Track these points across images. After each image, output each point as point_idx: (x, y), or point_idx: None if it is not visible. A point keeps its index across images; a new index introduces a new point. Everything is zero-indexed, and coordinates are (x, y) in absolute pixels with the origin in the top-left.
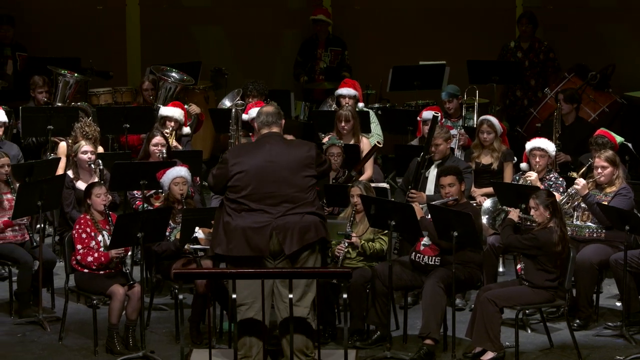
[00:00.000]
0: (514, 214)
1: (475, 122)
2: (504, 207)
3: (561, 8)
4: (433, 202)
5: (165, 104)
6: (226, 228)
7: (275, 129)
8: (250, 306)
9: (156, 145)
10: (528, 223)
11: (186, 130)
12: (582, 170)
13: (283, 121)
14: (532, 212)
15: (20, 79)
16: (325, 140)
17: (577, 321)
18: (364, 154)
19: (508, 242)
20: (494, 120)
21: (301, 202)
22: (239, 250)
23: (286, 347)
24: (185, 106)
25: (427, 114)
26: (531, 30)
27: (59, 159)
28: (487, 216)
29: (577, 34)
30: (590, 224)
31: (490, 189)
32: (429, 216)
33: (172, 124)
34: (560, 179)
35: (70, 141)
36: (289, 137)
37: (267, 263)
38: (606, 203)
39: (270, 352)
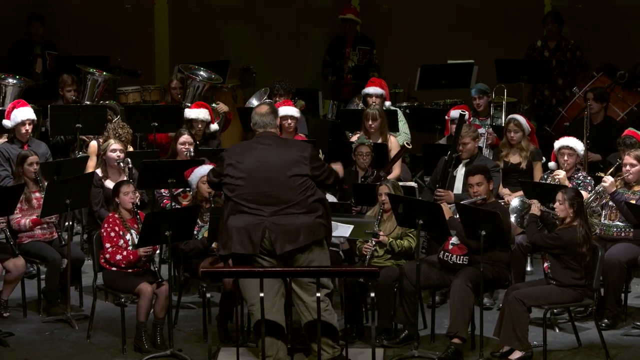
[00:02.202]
0: (535, 208)
1: (503, 121)
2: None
3: (590, 7)
4: (461, 202)
5: (193, 103)
6: (225, 228)
7: (270, 129)
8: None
9: (183, 143)
10: (551, 217)
11: (214, 127)
12: (610, 170)
13: (278, 119)
14: (557, 205)
15: (50, 78)
16: (353, 139)
17: (605, 320)
18: (392, 152)
19: (533, 240)
20: (521, 119)
21: (294, 202)
22: (236, 248)
23: (314, 346)
24: (213, 104)
25: (455, 113)
26: (557, 29)
27: (87, 157)
28: (515, 215)
29: (606, 32)
30: (618, 222)
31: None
32: (457, 215)
33: (199, 125)
34: (589, 177)
35: (101, 140)
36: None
37: (263, 261)
38: (634, 202)
39: (290, 351)
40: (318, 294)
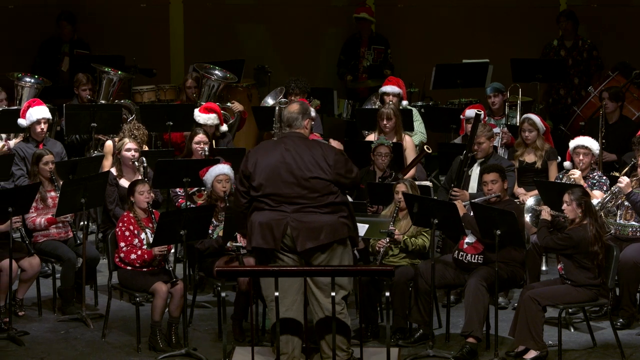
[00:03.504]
0: (546, 213)
1: (518, 121)
2: (537, 207)
3: (606, 6)
4: (475, 200)
5: (207, 102)
6: (250, 224)
7: (296, 130)
8: (282, 301)
9: (198, 143)
10: (560, 219)
11: (223, 128)
12: (625, 170)
13: (307, 121)
14: (564, 206)
15: (71, 77)
16: (369, 138)
17: (621, 320)
18: (407, 152)
19: (545, 244)
20: (535, 118)
21: (317, 203)
22: (257, 242)
23: (324, 346)
24: (228, 104)
25: (470, 112)
26: (571, 28)
27: (102, 156)
28: (530, 214)
29: (621, 31)
30: (633, 222)
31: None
32: (472, 213)
33: (209, 129)
34: (604, 177)
35: (117, 139)
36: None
37: (286, 258)
38: None
39: (305, 350)
40: (333, 294)
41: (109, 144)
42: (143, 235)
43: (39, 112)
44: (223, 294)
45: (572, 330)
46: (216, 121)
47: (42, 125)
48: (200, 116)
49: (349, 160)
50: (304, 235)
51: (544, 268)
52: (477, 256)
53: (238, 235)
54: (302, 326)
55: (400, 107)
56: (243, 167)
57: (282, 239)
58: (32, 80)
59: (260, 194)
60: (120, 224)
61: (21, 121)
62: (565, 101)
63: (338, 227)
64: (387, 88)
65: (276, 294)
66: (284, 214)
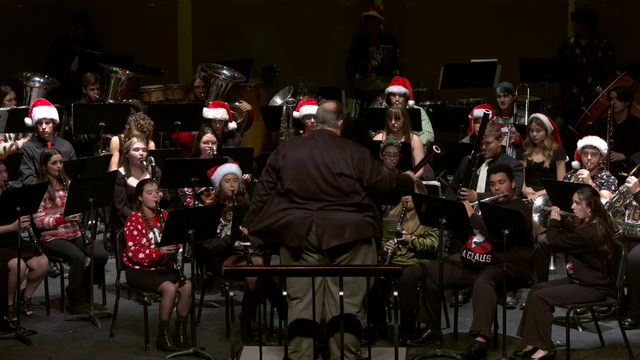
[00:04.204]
0: (555, 213)
1: (526, 120)
2: (546, 207)
3: (614, 4)
4: (483, 200)
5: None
6: (273, 218)
7: (328, 127)
8: (301, 300)
9: (206, 142)
10: (569, 219)
11: (232, 125)
12: (634, 169)
13: (341, 121)
14: (574, 205)
15: (80, 77)
16: (377, 138)
17: (629, 320)
18: (415, 152)
19: (554, 243)
20: (543, 118)
21: (343, 202)
22: (278, 237)
23: (333, 344)
24: (236, 103)
25: (479, 112)
26: (587, 29)
27: (111, 155)
28: (538, 214)
29: (630, 31)
30: None
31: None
32: (479, 213)
33: (218, 124)
34: (612, 177)
35: (122, 135)
36: None
37: (309, 257)
38: None
39: (320, 350)
40: (341, 293)
41: (115, 140)
42: (151, 235)
43: (40, 112)
44: (231, 294)
45: (580, 330)
46: (225, 115)
47: (44, 125)
48: (209, 111)
49: (377, 162)
50: (329, 233)
51: (552, 268)
52: (485, 256)
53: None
54: (318, 326)
55: (407, 107)
56: (272, 160)
57: (306, 237)
58: (41, 80)
59: (287, 189)
60: (128, 224)
61: (27, 120)
62: (578, 99)
63: (363, 226)
64: (394, 88)
65: (285, 293)
66: (309, 211)
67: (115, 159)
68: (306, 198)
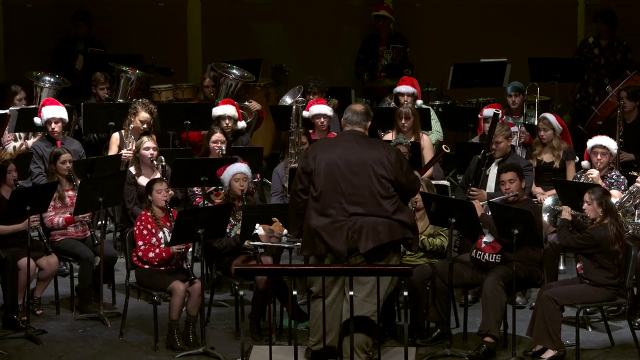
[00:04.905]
0: (566, 213)
1: (536, 120)
2: (556, 206)
3: (623, 5)
4: (493, 199)
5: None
6: (308, 229)
7: (357, 129)
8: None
9: (216, 142)
10: (580, 218)
11: (241, 124)
12: None
13: (369, 123)
14: (585, 205)
15: (85, 76)
16: (386, 138)
17: (639, 320)
18: (424, 151)
19: (565, 243)
20: (551, 117)
21: (376, 204)
22: (319, 250)
23: (346, 344)
24: (246, 103)
25: (488, 112)
26: (607, 29)
27: (120, 155)
28: (548, 214)
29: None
30: None
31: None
32: (489, 213)
33: (227, 121)
34: (622, 176)
35: (123, 132)
36: None
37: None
38: None
39: (334, 350)
40: (351, 292)
41: (115, 135)
42: (161, 234)
43: (49, 112)
44: (241, 293)
45: (590, 330)
46: (234, 112)
47: (53, 125)
48: (218, 108)
49: (408, 163)
50: (365, 235)
51: (561, 267)
52: (494, 255)
53: (258, 234)
54: (339, 325)
55: (415, 107)
56: (303, 164)
57: (345, 245)
58: (52, 80)
59: (319, 192)
60: (138, 223)
61: (37, 120)
62: (593, 99)
63: (394, 227)
64: (402, 88)
65: (294, 292)
66: (343, 215)
67: (111, 153)
68: (339, 201)
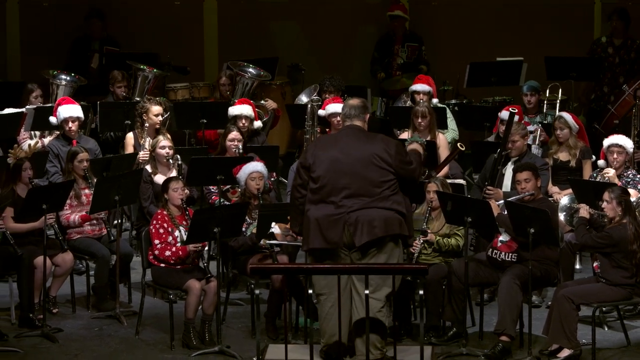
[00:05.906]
0: (584, 211)
1: None
2: (575, 204)
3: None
4: (509, 199)
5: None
6: (306, 220)
7: (357, 122)
8: (328, 296)
9: (232, 140)
10: (597, 217)
11: (257, 124)
12: None
13: (367, 115)
14: (604, 204)
15: (100, 75)
16: (402, 136)
17: None
18: (440, 149)
19: (583, 242)
20: (567, 116)
21: (375, 197)
22: (314, 243)
23: (359, 342)
24: (262, 101)
25: (506, 114)
26: (622, 26)
27: (136, 153)
28: (564, 213)
29: None
30: None
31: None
32: (505, 212)
33: (244, 121)
34: (638, 175)
35: (137, 131)
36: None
37: (342, 254)
38: None
39: (346, 349)
40: (366, 291)
41: (129, 136)
42: (177, 233)
43: (66, 111)
44: (257, 292)
45: (606, 329)
46: (250, 112)
47: (70, 124)
48: (234, 108)
49: (408, 153)
50: (360, 229)
51: (577, 267)
52: (511, 254)
53: (274, 232)
54: (347, 323)
55: (431, 105)
56: (302, 159)
57: (342, 237)
58: (68, 78)
59: (318, 186)
60: (154, 222)
61: (52, 119)
62: (608, 99)
63: (391, 222)
64: (418, 86)
65: (310, 291)
66: (341, 209)
67: (127, 151)
68: (338, 195)
